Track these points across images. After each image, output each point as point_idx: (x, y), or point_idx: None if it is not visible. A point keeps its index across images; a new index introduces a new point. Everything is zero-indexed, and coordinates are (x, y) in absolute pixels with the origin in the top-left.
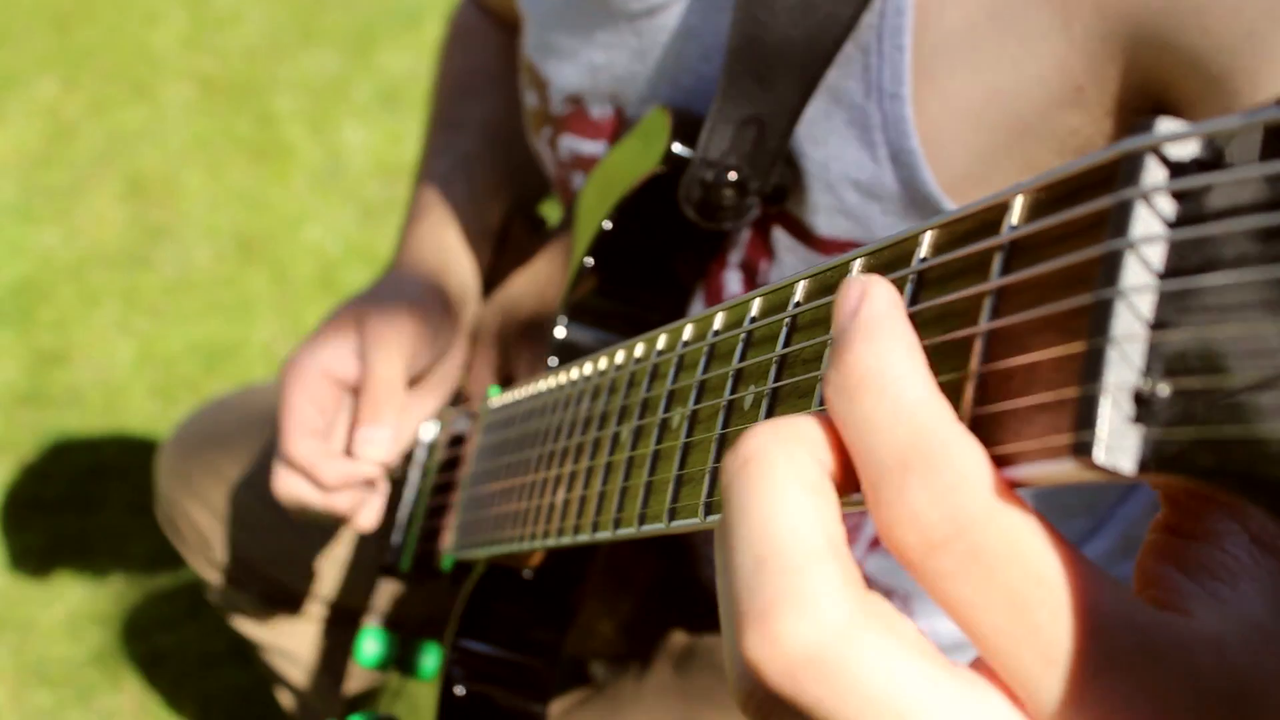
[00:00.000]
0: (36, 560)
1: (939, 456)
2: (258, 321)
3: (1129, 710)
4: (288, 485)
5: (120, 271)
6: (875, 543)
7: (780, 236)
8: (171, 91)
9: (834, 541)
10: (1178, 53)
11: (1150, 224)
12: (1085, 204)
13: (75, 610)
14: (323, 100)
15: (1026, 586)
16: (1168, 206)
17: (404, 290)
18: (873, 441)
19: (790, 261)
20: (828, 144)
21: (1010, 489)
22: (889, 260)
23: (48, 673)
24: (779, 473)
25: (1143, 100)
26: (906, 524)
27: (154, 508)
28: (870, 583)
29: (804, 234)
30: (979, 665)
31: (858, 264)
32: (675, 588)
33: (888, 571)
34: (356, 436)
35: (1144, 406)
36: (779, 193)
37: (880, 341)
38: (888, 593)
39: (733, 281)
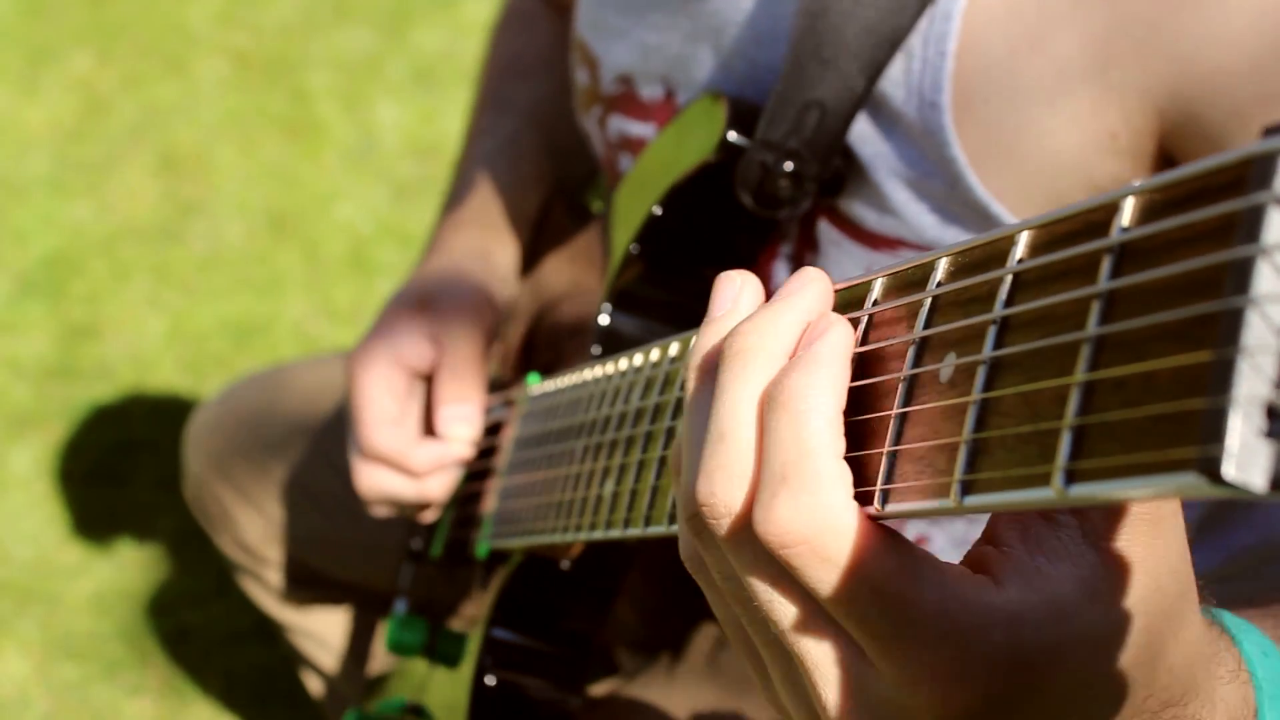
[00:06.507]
0: (64, 534)
1: (809, 480)
2: (288, 299)
3: (931, 671)
4: (373, 479)
5: (152, 246)
6: None
7: (826, 230)
8: (205, 67)
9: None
10: (1205, 127)
11: None
12: (1210, 207)
13: (102, 585)
14: (356, 78)
15: (853, 581)
16: None
17: (464, 279)
18: (771, 449)
19: (835, 255)
20: (873, 142)
21: (862, 514)
22: (980, 259)
23: (74, 647)
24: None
25: (1169, 162)
26: (770, 523)
27: (182, 485)
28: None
29: (851, 228)
30: None
31: (942, 263)
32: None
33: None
34: (442, 415)
35: (1278, 421)
36: (836, 181)
37: (813, 374)
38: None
39: (781, 272)
